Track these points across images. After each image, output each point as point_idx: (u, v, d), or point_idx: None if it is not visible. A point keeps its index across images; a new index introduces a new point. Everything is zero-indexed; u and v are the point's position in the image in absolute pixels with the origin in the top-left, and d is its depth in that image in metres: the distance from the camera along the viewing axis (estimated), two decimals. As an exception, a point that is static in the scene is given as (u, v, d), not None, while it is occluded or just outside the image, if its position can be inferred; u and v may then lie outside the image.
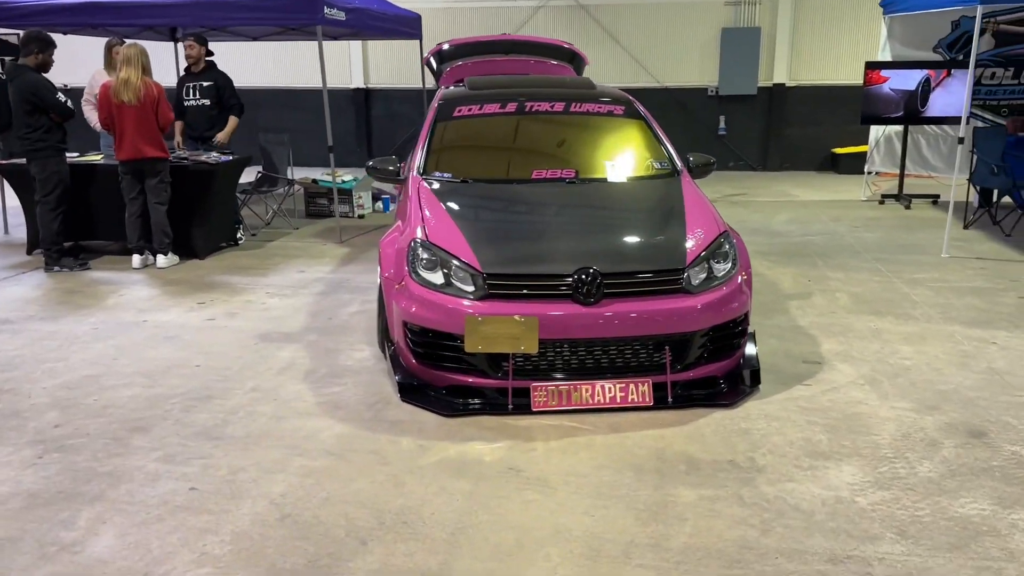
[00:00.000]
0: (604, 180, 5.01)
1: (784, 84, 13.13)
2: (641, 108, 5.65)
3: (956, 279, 6.39)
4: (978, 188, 8.61)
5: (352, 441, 3.74)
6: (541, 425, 3.88)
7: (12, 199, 8.04)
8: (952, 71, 9.31)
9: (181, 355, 4.88)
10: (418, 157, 5.20)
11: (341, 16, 8.11)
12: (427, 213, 4.52)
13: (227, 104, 8.04)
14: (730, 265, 4.27)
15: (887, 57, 9.93)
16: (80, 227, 7.38)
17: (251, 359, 4.80)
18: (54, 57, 6.87)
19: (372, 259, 7.26)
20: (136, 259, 6.99)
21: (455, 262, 4.12)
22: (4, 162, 7.48)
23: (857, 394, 4.20)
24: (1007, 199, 8.45)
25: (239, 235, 7.92)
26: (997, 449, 3.59)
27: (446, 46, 8.02)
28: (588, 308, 3.95)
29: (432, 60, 7.89)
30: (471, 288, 4.04)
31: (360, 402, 4.18)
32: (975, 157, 8.31)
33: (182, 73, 8.23)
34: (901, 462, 3.49)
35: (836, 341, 4.99)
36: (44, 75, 6.71)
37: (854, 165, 12.46)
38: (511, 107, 5.50)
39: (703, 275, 4.15)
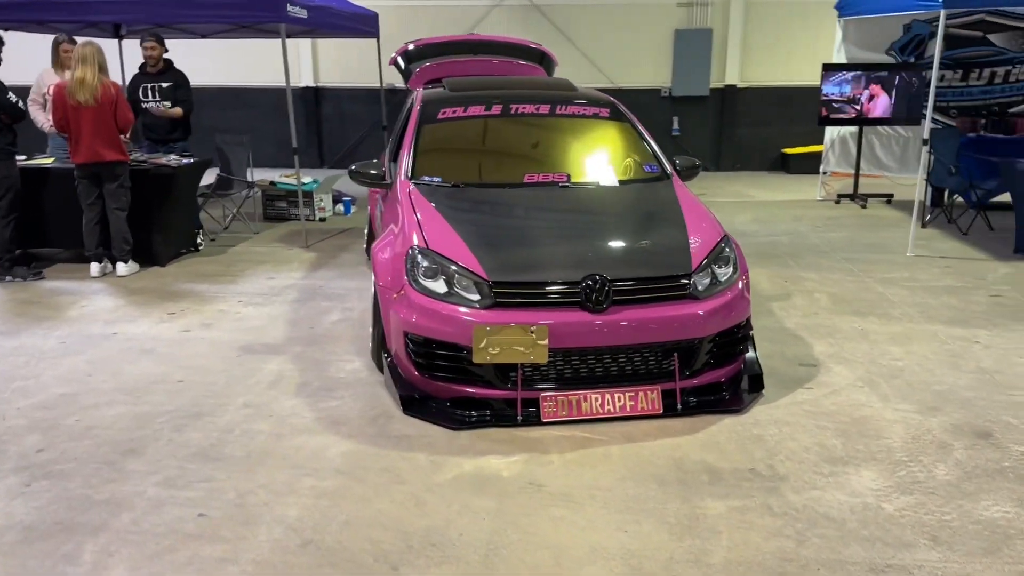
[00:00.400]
0: (596, 184, 4.95)
1: (735, 85, 13.31)
2: (625, 110, 5.62)
3: (926, 278, 6.53)
4: (932, 188, 8.85)
5: (361, 459, 3.59)
6: (552, 436, 3.80)
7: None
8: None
9: (160, 370, 4.65)
10: (405, 161, 5.06)
11: (303, 14, 7.89)
12: (422, 219, 4.39)
13: (179, 99, 7.68)
14: (732, 269, 4.26)
15: (842, 59, 10.14)
16: (30, 234, 6.99)
17: (237, 373, 4.60)
18: (2, 55, 6.50)
19: (343, 264, 7.10)
20: (95, 267, 6.66)
21: (457, 269, 4.00)
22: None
23: (859, 397, 4.24)
24: (959, 199, 8.70)
25: (199, 240, 7.64)
26: (1006, 450, 3.65)
27: (411, 46, 7.86)
28: (597, 316, 3.88)
29: (399, 60, 7.72)
30: (476, 297, 3.94)
31: (361, 416, 4.03)
32: (932, 157, 8.53)
33: (136, 72, 7.87)
34: (917, 466, 3.52)
35: (826, 343, 5.04)
36: (-7, 74, 6.35)
37: (804, 165, 12.72)
38: (496, 109, 5.40)
39: (707, 280, 4.12)
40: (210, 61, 13.53)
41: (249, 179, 8.64)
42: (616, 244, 4.27)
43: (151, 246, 6.98)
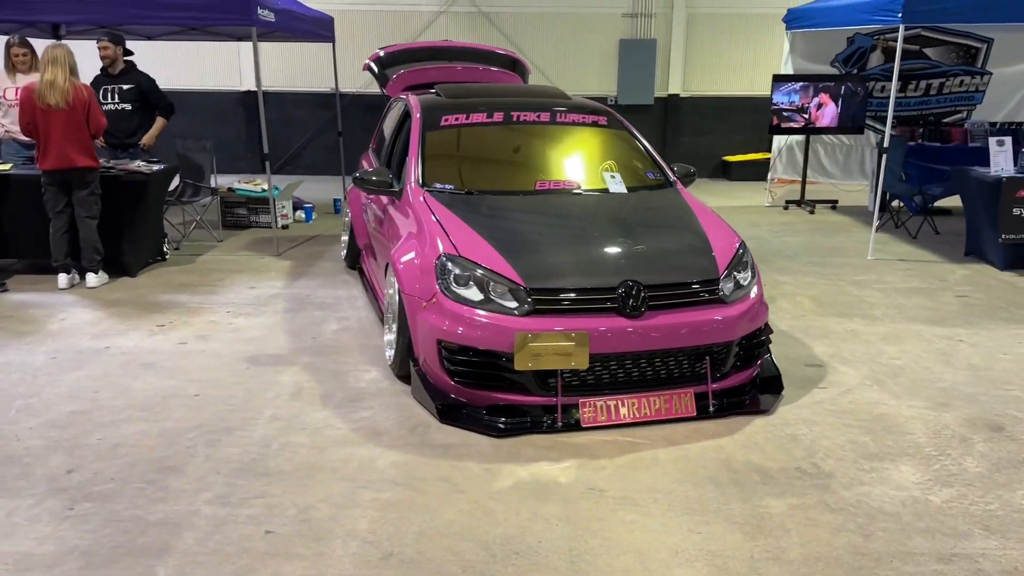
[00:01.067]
0: (606, 191, 5.02)
1: (678, 95, 13.65)
2: (621, 118, 5.72)
3: (893, 280, 6.85)
4: (879, 194, 9.28)
5: (413, 469, 3.55)
6: (595, 442, 3.84)
7: None
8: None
9: (170, 384, 4.48)
10: (414, 168, 5.02)
11: (271, 17, 7.73)
12: (446, 226, 4.38)
13: (156, 105, 7.46)
14: (751, 274, 4.39)
15: (789, 70, 10.53)
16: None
17: (252, 386, 4.48)
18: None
19: (322, 273, 6.98)
20: (63, 278, 6.35)
21: (491, 277, 4.01)
22: None
23: (871, 395, 4.42)
24: (898, 203, 9.15)
25: (165, 249, 7.37)
26: (1020, 442, 3.88)
27: (382, 52, 7.81)
28: (634, 321, 3.94)
29: (373, 66, 7.65)
30: (514, 304, 3.94)
31: (398, 426, 3.98)
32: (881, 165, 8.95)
33: (98, 74, 7.54)
34: (946, 459, 3.70)
35: (823, 344, 5.23)
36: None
37: (745, 172, 13.16)
38: (498, 117, 5.42)
39: (731, 284, 4.24)
40: (149, 64, 13.09)
41: (213, 185, 8.38)
42: (645, 250, 4.34)
43: (121, 256, 6.70)
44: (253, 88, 13.57)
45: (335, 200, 10.28)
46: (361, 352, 5.01)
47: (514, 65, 7.97)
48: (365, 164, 6.88)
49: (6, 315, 5.68)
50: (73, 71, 6.12)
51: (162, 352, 4.97)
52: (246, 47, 13.37)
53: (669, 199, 4.99)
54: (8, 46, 7.23)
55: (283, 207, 9.13)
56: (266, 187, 9.09)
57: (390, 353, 4.71)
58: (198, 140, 8.47)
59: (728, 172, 13.58)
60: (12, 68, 7.26)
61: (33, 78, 6.89)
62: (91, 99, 6.20)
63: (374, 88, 13.15)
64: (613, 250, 4.28)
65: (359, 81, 13.05)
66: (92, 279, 6.39)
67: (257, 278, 6.77)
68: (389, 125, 6.58)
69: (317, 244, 8.19)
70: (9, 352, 4.93)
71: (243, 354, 4.95)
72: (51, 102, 5.99)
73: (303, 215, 9.55)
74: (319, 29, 9.78)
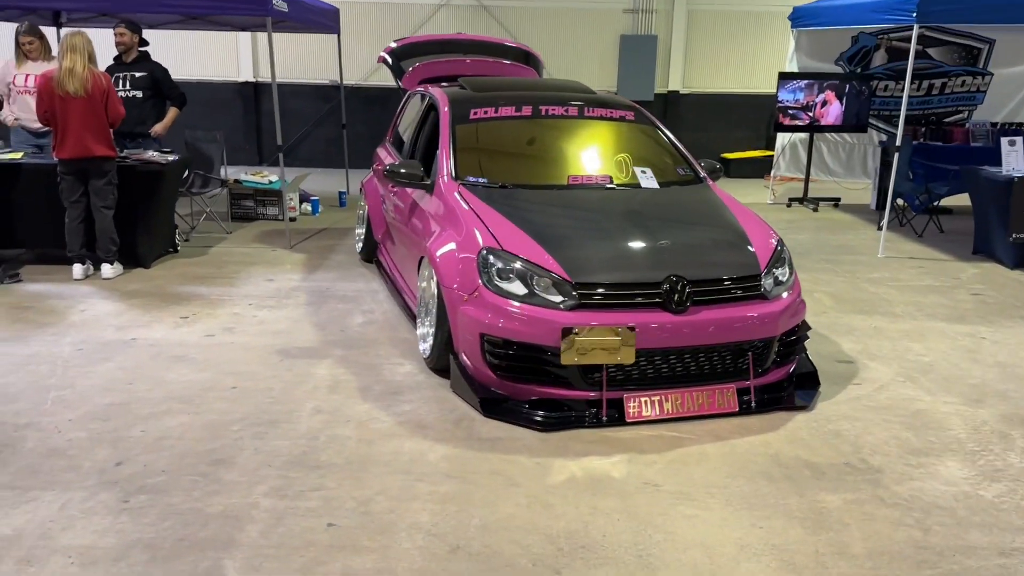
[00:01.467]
0: (637, 186, 5.02)
1: (678, 91, 13.69)
2: (648, 114, 5.72)
3: (906, 278, 6.92)
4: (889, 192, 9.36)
5: (465, 463, 3.54)
6: (642, 436, 3.84)
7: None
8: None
9: (204, 376, 4.43)
10: (446, 161, 4.99)
11: (285, 7, 7.66)
12: (485, 219, 4.36)
13: (168, 95, 7.38)
14: (789, 270, 4.41)
15: (794, 67, 10.59)
16: (2, 233, 6.52)
17: (288, 378, 4.44)
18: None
19: (337, 265, 6.93)
20: (78, 269, 6.27)
21: (535, 270, 4.00)
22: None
23: (906, 391, 4.46)
24: (902, 201, 9.24)
25: (176, 241, 7.30)
26: (1060, 438, 3.94)
27: (395, 45, 7.75)
28: (679, 316, 3.95)
29: (388, 58, 7.59)
30: (559, 298, 3.94)
31: (442, 420, 3.97)
32: (883, 163, 9.03)
33: (111, 62, 7.43)
34: (990, 455, 3.74)
35: (851, 340, 5.27)
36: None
37: (744, 169, 13.23)
38: (526, 110, 5.40)
39: (771, 280, 4.26)
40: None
41: (223, 177, 8.31)
42: (687, 245, 4.34)
43: (135, 247, 6.63)
44: (251, 79, 13.60)
45: (340, 193, 10.22)
46: (391, 345, 4.98)
47: (527, 58, 7.94)
48: (383, 156, 6.84)
49: (25, 306, 5.59)
50: (92, 59, 6.04)
51: (191, 344, 4.92)
52: (244, 38, 13.27)
53: (702, 195, 5.00)
54: (17, 34, 7.11)
55: (291, 199, 9.06)
56: (273, 179, 9.04)
57: (424, 346, 4.69)
58: (208, 131, 8.38)
59: (728, 170, 13.63)
60: (23, 56, 7.14)
61: (44, 66, 6.81)
62: (110, 87, 6.12)
63: (374, 81, 13.17)
64: (655, 245, 4.27)
65: (359, 73, 12.98)
66: (107, 270, 6.31)
67: (273, 270, 6.72)
68: (409, 118, 6.55)
69: (327, 237, 8.14)
70: (34, 343, 4.86)
71: (273, 347, 4.91)
72: (70, 89, 5.90)
73: (310, 208, 9.48)
74: (326, 20, 9.72)
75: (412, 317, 5.31)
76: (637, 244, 4.28)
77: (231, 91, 13.47)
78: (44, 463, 3.44)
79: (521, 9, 13.27)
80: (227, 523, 3.03)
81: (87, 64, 5.96)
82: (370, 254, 6.96)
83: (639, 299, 3.96)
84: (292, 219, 9.01)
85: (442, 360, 4.43)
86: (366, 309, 5.71)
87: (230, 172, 9.19)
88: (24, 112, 7.09)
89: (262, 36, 13.35)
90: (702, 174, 5.27)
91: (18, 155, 6.73)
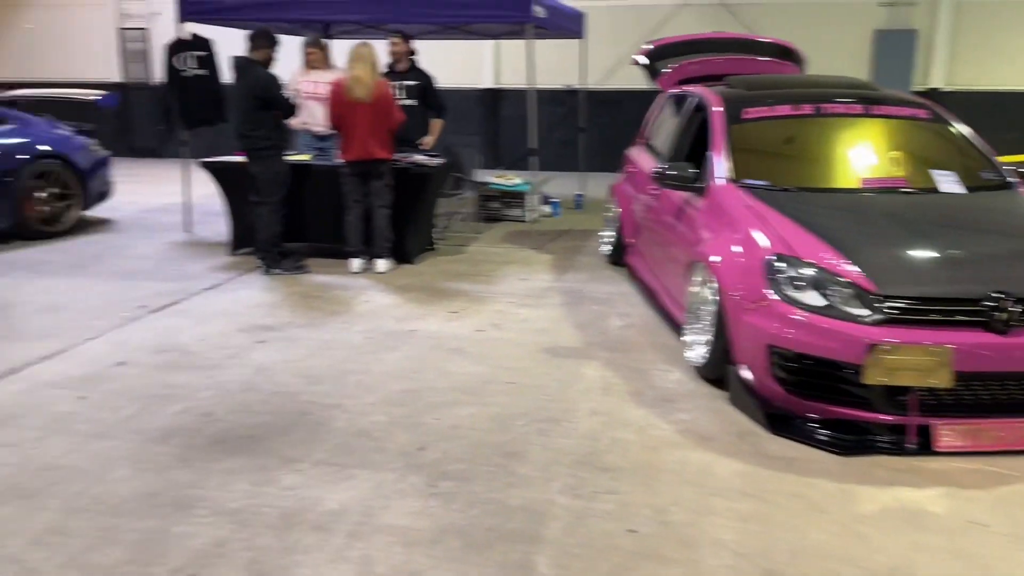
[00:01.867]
0: (939, 190, 4.60)
1: (939, 89, 12.58)
2: (945, 112, 5.24)
3: None
4: None
5: (760, 481, 3.39)
6: (956, 469, 3.50)
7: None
8: None
9: (481, 370, 4.58)
10: (721, 162, 4.84)
11: (543, 14, 7.83)
12: (772, 223, 4.16)
13: (431, 105, 7.76)
14: None
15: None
16: (289, 229, 7.14)
17: (560, 376, 4.49)
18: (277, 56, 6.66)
19: (586, 267, 6.96)
20: (356, 263, 6.74)
21: (835, 280, 3.74)
22: (212, 160, 7.26)
23: None
24: None
25: (434, 239, 7.67)
26: None
27: (651, 46, 7.66)
28: (1004, 338, 3.54)
29: (644, 60, 7.52)
30: (863, 312, 3.66)
31: (725, 432, 3.83)
32: None
33: (384, 72, 7.94)
34: None
35: None
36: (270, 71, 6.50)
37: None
38: (805, 109, 5.13)
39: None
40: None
41: (477, 180, 8.64)
42: (1012, 257, 3.90)
43: (403, 243, 7.02)
44: (492, 86, 14.07)
45: (576, 195, 10.30)
46: (654, 351, 4.91)
47: (787, 54, 7.56)
48: (636, 159, 6.79)
49: (313, 295, 6.08)
50: (375, 68, 6.46)
51: (464, 338, 5.11)
52: (487, 46, 13.76)
53: (1017, 202, 4.49)
54: (305, 45, 7.76)
55: (534, 202, 9.25)
56: (518, 181, 9.27)
57: (691, 354, 4.57)
58: (466, 136, 8.74)
59: (994, 175, 12.36)
60: (308, 65, 7.79)
61: (324, 75, 7.39)
62: (391, 95, 6.51)
63: (610, 84, 13.18)
64: (972, 256, 3.88)
65: (594, 76, 13.06)
66: (382, 264, 6.73)
67: (525, 270, 6.87)
68: (668, 119, 6.45)
69: (571, 239, 8.22)
70: (325, 330, 5.25)
71: (539, 344, 5.00)
72: (359, 95, 6.34)
73: (550, 210, 9.64)
74: (573, 24, 9.84)
75: (671, 322, 5.20)
76: (951, 254, 3.90)
77: (474, 98, 14.00)
78: (354, 442, 3.69)
79: (764, 5, 12.80)
80: (530, 518, 3.08)
81: (373, 73, 6.38)
82: (618, 257, 6.93)
83: (957, 316, 3.60)
84: (535, 221, 9.22)
85: (717, 369, 4.29)
86: (622, 312, 5.68)
87: (493, 175, 9.56)
88: (308, 117, 7.72)
89: (505, 44, 13.82)
90: (1013, 180, 4.74)
91: (307, 157, 7.34)
